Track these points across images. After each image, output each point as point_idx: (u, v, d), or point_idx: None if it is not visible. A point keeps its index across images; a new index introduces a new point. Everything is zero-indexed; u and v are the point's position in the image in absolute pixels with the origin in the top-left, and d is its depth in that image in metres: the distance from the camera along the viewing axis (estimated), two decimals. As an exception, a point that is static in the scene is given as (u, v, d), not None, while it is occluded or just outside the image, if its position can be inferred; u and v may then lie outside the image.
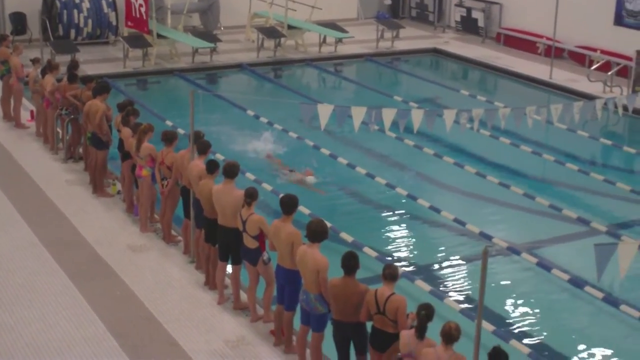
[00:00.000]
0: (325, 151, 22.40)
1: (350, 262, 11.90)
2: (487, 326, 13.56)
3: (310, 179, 21.16)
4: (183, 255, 16.61)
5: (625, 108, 20.16)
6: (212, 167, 14.87)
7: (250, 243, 13.88)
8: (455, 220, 18.89)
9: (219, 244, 14.73)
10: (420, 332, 10.75)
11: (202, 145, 15.62)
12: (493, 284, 16.34)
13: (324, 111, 16.17)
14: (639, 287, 16.31)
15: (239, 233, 14.02)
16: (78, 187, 19.76)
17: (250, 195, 13.80)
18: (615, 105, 19.85)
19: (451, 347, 10.39)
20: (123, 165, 18.35)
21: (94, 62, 30.48)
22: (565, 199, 20.92)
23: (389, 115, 16.56)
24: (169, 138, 16.59)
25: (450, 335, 10.36)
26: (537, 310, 15.92)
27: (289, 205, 13.22)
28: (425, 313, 10.75)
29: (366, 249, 16.66)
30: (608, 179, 21.59)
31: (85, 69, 27.96)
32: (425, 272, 16.94)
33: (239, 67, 31.74)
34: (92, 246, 16.93)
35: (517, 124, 18.99)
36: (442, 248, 18.24)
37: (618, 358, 14.66)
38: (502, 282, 16.77)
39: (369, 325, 11.93)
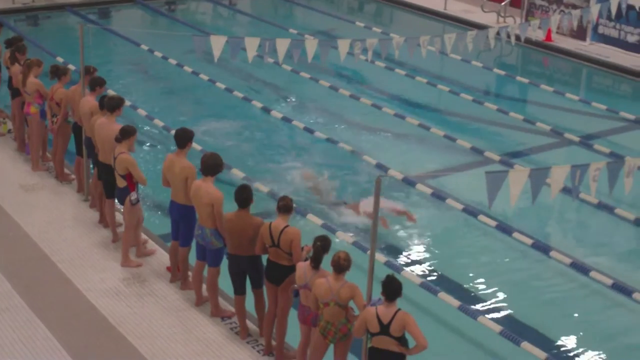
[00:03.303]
0: (220, 85, 22.19)
1: (242, 195, 11.83)
2: (380, 257, 13.62)
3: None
4: (77, 194, 16.34)
5: (517, 38, 20.36)
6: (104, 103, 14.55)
7: (119, 181, 13.70)
8: (353, 151, 18.92)
9: (102, 180, 14.52)
10: (315, 262, 10.77)
11: (94, 81, 15.28)
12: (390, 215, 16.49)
13: (217, 43, 15.94)
14: (531, 214, 16.55)
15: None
16: (-35, 126, 19.28)
17: (124, 132, 13.57)
18: (507, 35, 20.02)
19: (342, 276, 10.44)
20: (13, 103, 17.90)
21: (-19, -3, 29.66)
22: (459, 129, 21.10)
23: (282, 46, 16.42)
24: (58, 73, 16.20)
25: (339, 265, 10.42)
26: (430, 240, 16.09)
27: (182, 138, 13.04)
28: (321, 244, 10.76)
29: (258, 184, 16.56)
30: (502, 108, 21.84)
31: (-28, 5, 27.17)
32: (323, 205, 16.94)
33: (132, 1, 31.16)
34: (-18, 186, 16.59)
35: (411, 54, 19.01)
36: (337, 180, 18.22)
37: (507, 284, 14.90)
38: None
39: (264, 259, 11.92)
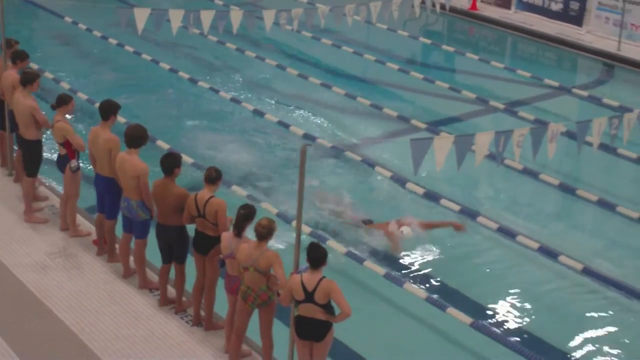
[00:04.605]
0: (146, 57, 22.01)
1: (166, 163, 11.79)
2: (305, 229, 13.61)
3: (406, 230, 15.04)
4: (0, 168, 16.10)
5: (442, 6, 20.53)
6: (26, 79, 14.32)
7: (60, 149, 13.58)
8: (279, 122, 18.90)
9: (22, 155, 14.35)
10: (237, 230, 10.77)
11: (15, 55, 15.02)
12: (318, 182, 16.51)
13: (141, 15, 15.82)
14: (457, 181, 16.70)
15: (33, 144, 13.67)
16: None
17: (59, 100, 13.44)
18: (433, 4, 20.16)
19: (263, 243, 10.47)
20: None
21: None
22: (386, 97, 21.19)
23: (207, 17, 16.35)
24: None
25: (259, 232, 10.45)
26: (358, 202, 16.16)
27: (106, 110, 12.89)
28: (244, 212, 10.77)
29: (185, 157, 16.39)
30: (427, 77, 21.96)
31: None
32: (248, 177, 16.89)
33: (54, -28, 30.70)
34: None
35: (337, 23, 19.02)
36: (266, 151, 18.19)
37: (435, 248, 14.99)
38: (327, 181, 16.92)
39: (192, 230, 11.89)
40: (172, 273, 12.20)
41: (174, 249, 12.01)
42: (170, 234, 11.90)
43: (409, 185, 16.29)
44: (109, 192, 12.93)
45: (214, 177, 11.47)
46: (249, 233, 10.79)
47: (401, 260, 14.48)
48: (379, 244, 14.80)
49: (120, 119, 15.29)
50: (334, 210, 15.69)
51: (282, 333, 11.05)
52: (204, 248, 11.53)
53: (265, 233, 10.44)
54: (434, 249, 14.87)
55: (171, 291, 12.33)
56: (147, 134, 12.53)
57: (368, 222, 15.28)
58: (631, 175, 18.32)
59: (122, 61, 22.59)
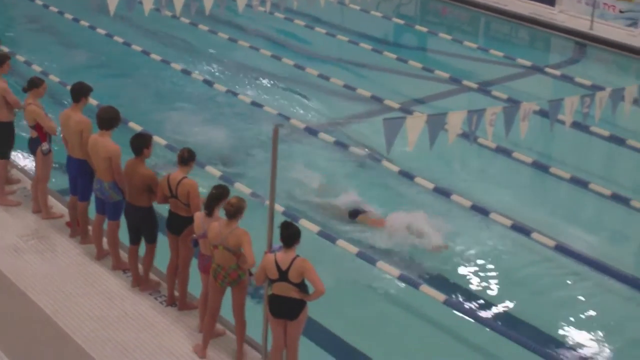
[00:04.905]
0: (118, 39, 21.91)
1: (135, 143, 11.78)
2: (278, 208, 13.59)
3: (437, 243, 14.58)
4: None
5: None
6: None
7: (31, 132, 13.51)
8: (253, 103, 18.88)
9: None
10: (208, 209, 10.77)
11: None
12: (292, 162, 16.51)
13: (112, -4, 15.69)
14: (431, 160, 16.74)
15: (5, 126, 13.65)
16: None
17: (30, 83, 13.36)
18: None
19: (234, 222, 10.46)
20: None
21: None
22: (359, 78, 21.19)
23: (179, -3, 16.24)
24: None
25: (228, 211, 10.47)
26: (330, 183, 16.16)
27: (78, 92, 12.84)
28: (215, 192, 10.77)
29: (157, 138, 16.33)
30: (401, 57, 21.95)
31: None
32: (222, 158, 16.86)
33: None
34: None
35: (310, 4, 18.98)
36: (239, 132, 18.15)
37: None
38: (303, 161, 16.92)
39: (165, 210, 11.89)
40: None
41: (141, 230, 12.01)
42: (137, 214, 11.91)
43: (384, 162, 16.32)
44: (82, 174, 12.87)
45: (186, 157, 11.46)
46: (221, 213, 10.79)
47: (375, 242, 14.51)
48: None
49: (93, 101, 15.23)
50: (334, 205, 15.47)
51: (256, 312, 11.08)
52: (177, 228, 11.52)
53: (233, 211, 10.43)
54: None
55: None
56: (120, 116, 12.49)
57: (354, 214, 15.14)
58: (603, 153, 18.42)
59: (94, 43, 22.45)
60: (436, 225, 14.71)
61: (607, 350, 12.44)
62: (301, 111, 19.17)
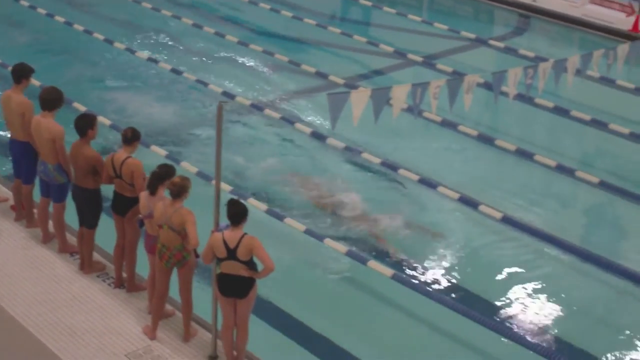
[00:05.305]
0: (59, 19, 21.65)
1: (79, 124, 11.66)
2: (225, 187, 13.53)
3: None
4: None
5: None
6: None
7: None
8: (198, 81, 18.77)
9: None
10: (150, 188, 10.71)
11: None
12: (239, 140, 16.47)
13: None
14: (378, 135, 16.77)
15: None
16: None
17: None
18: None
19: (178, 201, 10.42)
20: None
21: None
22: (304, 53, 21.13)
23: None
24: None
25: (171, 190, 10.42)
26: (277, 161, 16.13)
27: (19, 73, 12.66)
28: (158, 171, 10.70)
29: (102, 118, 16.13)
30: (345, 32, 21.93)
31: None
32: (167, 137, 16.76)
33: None
34: None
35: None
36: (185, 110, 18.04)
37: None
38: (249, 138, 16.86)
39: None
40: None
41: (84, 212, 11.90)
42: (82, 196, 11.80)
43: (329, 140, 16.32)
44: (25, 156, 12.71)
45: (129, 137, 11.36)
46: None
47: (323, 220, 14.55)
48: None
49: (35, 82, 15.03)
50: (312, 195, 15.34)
51: (206, 291, 11.05)
52: (122, 209, 11.43)
53: (177, 191, 10.37)
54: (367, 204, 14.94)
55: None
56: (63, 97, 12.32)
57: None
58: (548, 124, 18.55)
59: (36, 23, 22.16)
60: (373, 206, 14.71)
61: (555, 319, 12.57)
62: (246, 88, 19.08)
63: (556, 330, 12.32)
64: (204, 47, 21.37)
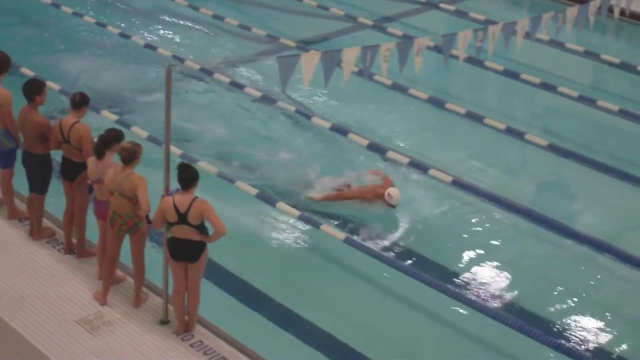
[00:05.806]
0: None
1: (26, 89, 11.54)
2: (176, 151, 13.43)
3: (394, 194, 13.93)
4: None
5: None
6: None
7: None
8: (147, 45, 18.61)
9: None
10: (97, 152, 10.65)
11: None
12: (188, 105, 16.37)
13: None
14: (328, 98, 16.75)
15: None
16: None
17: None
18: None
19: (129, 167, 10.36)
20: None
21: None
22: (254, 18, 20.99)
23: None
24: None
25: (121, 156, 10.37)
26: (230, 132, 16.09)
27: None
28: (105, 135, 10.64)
29: (51, 83, 15.89)
30: (295, -5, 21.85)
31: None
32: (117, 102, 16.62)
33: None
34: None
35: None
36: (135, 75, 17.88)
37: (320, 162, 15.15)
38: (197, 102, 16.78)
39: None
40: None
41: (33, 178, 11.79)
42: (31, 161, 11.69)
43: (279, 104, 16.27)
44: (-30, 122, 12.54)
45: (77, 101, 11.25)
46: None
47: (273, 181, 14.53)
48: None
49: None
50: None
51: (157, 256, 11.01)
52: (70, 174, 11.34)
53: (127, 156, 10.32)
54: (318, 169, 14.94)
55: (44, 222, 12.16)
56: (10, 61, 12.19)
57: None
58: (498, 87, 18.63)
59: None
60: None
61: (508, 283, 12.67)
62: (196, 52, 18.94)
63: (509, 294, 12.42)
64: (153, 10, 21.18)
